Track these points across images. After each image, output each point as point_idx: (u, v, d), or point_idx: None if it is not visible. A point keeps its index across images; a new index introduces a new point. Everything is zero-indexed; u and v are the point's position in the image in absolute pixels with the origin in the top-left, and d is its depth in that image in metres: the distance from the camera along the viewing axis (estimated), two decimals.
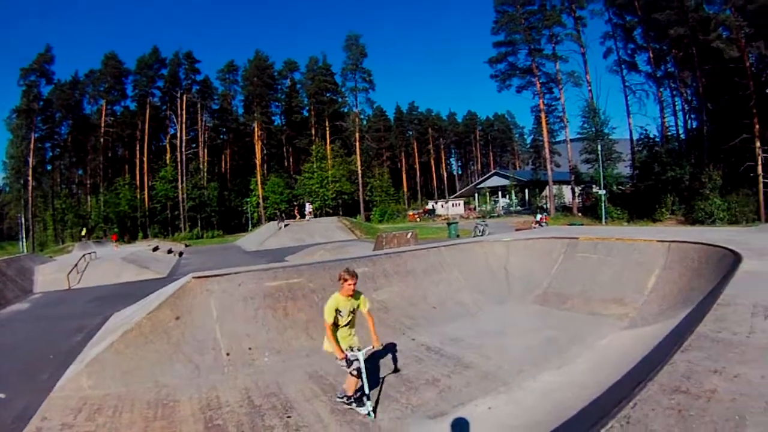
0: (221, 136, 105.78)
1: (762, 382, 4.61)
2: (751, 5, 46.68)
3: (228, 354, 9.69)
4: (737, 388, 4.52)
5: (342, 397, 7.84)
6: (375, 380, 8.40)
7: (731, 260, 10.76)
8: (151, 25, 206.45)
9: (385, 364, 9.43)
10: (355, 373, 7.53)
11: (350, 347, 7.76)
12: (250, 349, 9.96)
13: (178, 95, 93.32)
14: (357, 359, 7.54)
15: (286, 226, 56.31)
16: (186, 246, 59.72)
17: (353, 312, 8.04)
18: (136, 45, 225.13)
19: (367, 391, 7.39)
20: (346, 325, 7.94)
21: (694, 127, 65.89)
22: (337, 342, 7.61)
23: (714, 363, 5.18)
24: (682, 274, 11.94)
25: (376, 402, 7.72)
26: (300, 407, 7.59)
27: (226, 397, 8.04)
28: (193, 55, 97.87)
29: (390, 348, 9.98)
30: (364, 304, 8.08)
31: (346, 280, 7.75)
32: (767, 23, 47.02)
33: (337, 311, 7.74)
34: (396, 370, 9.03)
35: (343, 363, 7.52)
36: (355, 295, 7.93)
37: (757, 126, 48.72)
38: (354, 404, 7.71)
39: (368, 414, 7.38)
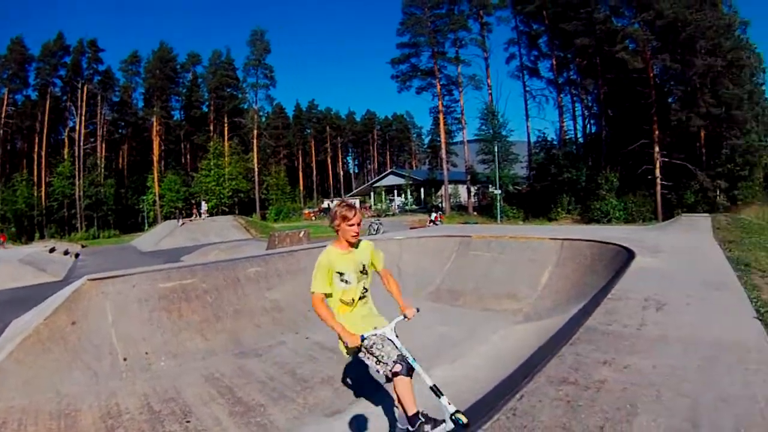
0: (120, 131, 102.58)
1: (653, 371, 4.81)
2: (660, 20, 49.33)
3: (125, 359, 9.44)
4: (628, 378, 4.70)
5: (405, 428, 4.89)
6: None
7: (625, 257, 11.16)
8: (61, 9, 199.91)
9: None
10: (389, 367, 4.99)
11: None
12: (146, 353, 9.74)
13: (80, 86, 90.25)
14: (385, 338, 5.19)
15: (182, 225, 56.04)
16: (83, 247, 57.97)
17: (364, 272, 5.68)
18: (45, 30, 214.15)
19: (429, 382, 4.75)
20: (361, 298, 5.64)
21: (592, 131, 69.35)
22: (344, 325, 5.34)
23: (603, 354, 5.39)
24: (575, 270, 12.33)
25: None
26: (198, 411, 7.46)
27: (126, 404, 7.83)
28: (98, 43, 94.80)
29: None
30: (378, 258, 5.94)
31: (345, 219, 5.39)
32: (675, 38, 49.86)
33: (338, 275, 5.41)
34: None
35: (367, 357, 5.31)
36: (360, 245, 5.74)
37: (657, 132, 52.08)
38: (430, 427, 4.62)
39: (457, 421, 4.29)
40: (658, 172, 51.99)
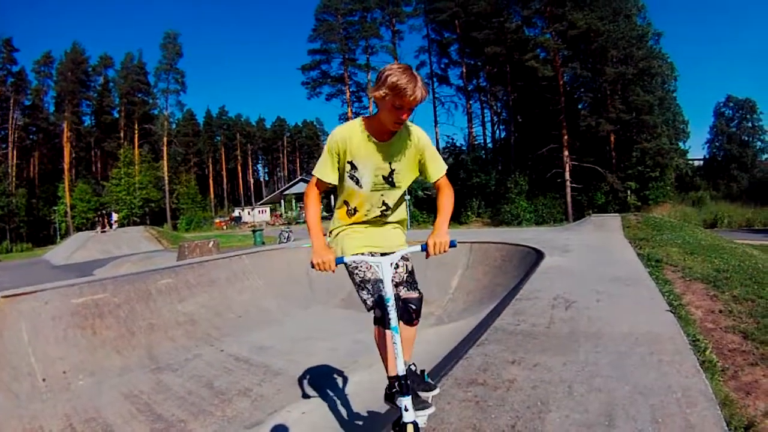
0: (31, 137, 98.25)
1: (564, 368, 4.98)
2: (573, 31, 51.21)
3: (44, 379, 9.17)
4: (538, 376, 4.84)
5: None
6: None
7: (534, 257, 11.48)
8: None
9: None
10: (370, 303, 3.99)
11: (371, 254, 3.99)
12: (64, 372, 9.48)
13: None
14: (369, 268, 3.99)
15: (101, 232, 55.56)
16: None
17: (390, 180, 3.94)
18: None
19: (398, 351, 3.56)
20: (377, 216, 4.15)
21: (502, 137, 71.13)
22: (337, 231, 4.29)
23: (512, 354, 5.54)
24: (485, 272, 12.65)
25: None
26: (120, 430, 7.37)
27: (49, 427, 7.65)
28: (12, 42, 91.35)
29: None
30: (433, 163, 4.00)
31: (398, 92, 3.35)
32: (585, 47, 52.37)
33: (350, 166, 3.87)
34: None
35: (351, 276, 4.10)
36: (401, 137, 3.84)
37: (566, 137, 54.07)
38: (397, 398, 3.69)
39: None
40: (567, 175, 53.90)
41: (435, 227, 3.69)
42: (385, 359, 4.01)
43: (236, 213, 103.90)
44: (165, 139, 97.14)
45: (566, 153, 54.18)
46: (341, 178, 3.93)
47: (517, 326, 6.53)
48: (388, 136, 3.74)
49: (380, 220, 4.15)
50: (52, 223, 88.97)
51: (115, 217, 66.23)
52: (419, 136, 3.88)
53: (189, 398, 8.18)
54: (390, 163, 3.82)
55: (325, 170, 3.84)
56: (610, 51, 51.39)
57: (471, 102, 73.43)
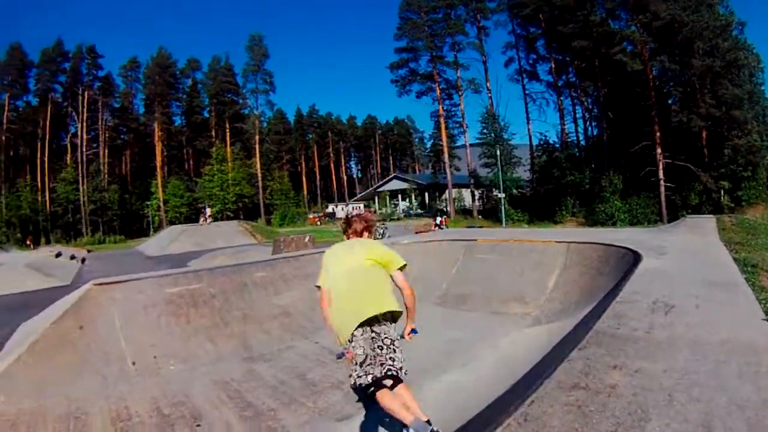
0: (122, 137, 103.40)
1: (664, 375, 4.76)
2: (657, 22, 49.17)
3: (134, 363, 9.41)
4: (638, 383, 4.65)
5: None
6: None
7: (631, 259, 11.09)
8: (59, 16, 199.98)
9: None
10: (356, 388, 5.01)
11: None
12: (155, 357, 9.69)
13: (80, 91, 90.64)
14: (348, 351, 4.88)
15: (201, 224, 57.07)
16: (88, 251, 57.65)
17: (357, 263, 5.22)
18: (43, 36, 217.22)
19: None
20: (349, 290, 5.08)
21: (594, 134, 69.27)
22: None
23: (614, 359, 5.33)
24: (582, 273, 12.23)
25: None
26: (208, 415, 7.42)
27: (135, 408, 7.78)
28: (96, 49, 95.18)
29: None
30: (392, 261, 5.46)
31: (346, 223, 5.72)
32: (672, 39, 49.85)
33: (326, 264, 5.40)
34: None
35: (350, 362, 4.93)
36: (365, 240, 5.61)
37: (658, 133, 51.90)
38: None
39: None
40: (661, 174, 52.19)
41: (408, 318, 5.72)
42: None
43: (330, 209, 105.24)
44: (257, 137, 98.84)
45: (659, 150, 52.67)
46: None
47: (618, 330, 6.31)
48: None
49: (351, 298, 5.12)
50: (145, 217, 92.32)
51: (209, 211, 67.46)
52: (379, 243, 5.70)
53: (281, 388, 8.20)
54: (353, 248, 5.42)
55: (321, 278, 5.29)
56: (695, 42, 49.64)
57: (562, 98, 72.49)
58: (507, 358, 8.80)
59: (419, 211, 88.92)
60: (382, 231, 41.67)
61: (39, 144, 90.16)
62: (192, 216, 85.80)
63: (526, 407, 4.45)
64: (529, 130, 72.21)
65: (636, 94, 54.78)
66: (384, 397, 4.60)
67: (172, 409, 7.70)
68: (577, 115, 72.74)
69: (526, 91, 74.63)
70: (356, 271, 5.09)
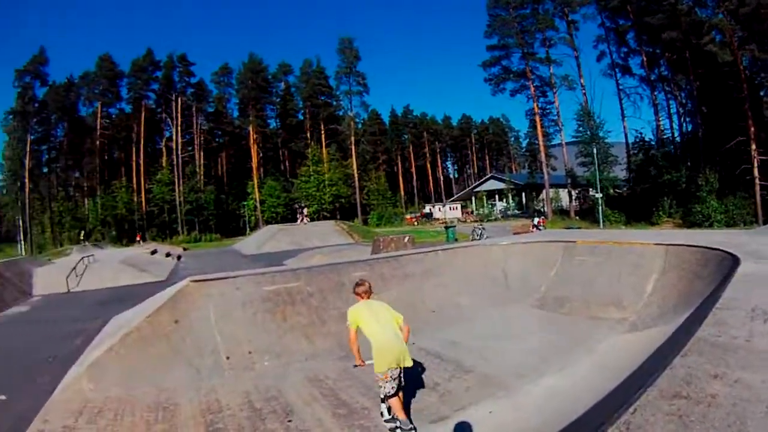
0: (217, 139, 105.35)
1: (763, 386, 4.60)
2: (744, 8, 46.76)
3: (228, 358, 9.68)
4: (738, 393, 4.52)
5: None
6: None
7: (729, 263, 10.76)
8: (145, 27, 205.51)
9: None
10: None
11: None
12: (249, 353, 9.93)
13: (173, 98, 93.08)
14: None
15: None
16: (184, 249, 59.61)
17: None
18: (130, 47, 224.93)
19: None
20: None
21: (689, 130, 66.20)
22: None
23: (714, 368, 5.17)
24: (680, 277, 11.88)
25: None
26: (300, 411, 7.52)
27: (226, 401, 8.00)
28: (188, 57, 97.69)
29: None
30: (400, 318, 7.49)
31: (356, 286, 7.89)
32: (760, 27, 47.23)
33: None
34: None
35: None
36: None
37: (753, 128, 49.08)
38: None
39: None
40: (756, 172, 49.10)
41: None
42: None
43: (427, 209, 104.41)
44: (352, 138, 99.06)
45: (753, 147, 49.52)
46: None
47: (719, 338, 6.08)
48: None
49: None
50: (242, 217, 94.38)
51: (305, 211, 68.05)
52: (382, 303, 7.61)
53: (375, 387, 7.91)
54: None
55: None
56: None
57: (656, 93, 69.64)
58: (604, 364, 8.71)
59: (516, 211, 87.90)
60: (480, 232, 41.43)
61: (134, 148, 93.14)
62: (288, 216, 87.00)
63: (629, 415, 4.42)
64: (624, 127, 70.03)
65: (728, 86, 51.91)
66: (395, 401, 6.73)
67: (263, 404, 7.88)
68: (672, 111, 69.60)
69: (620, 87, 72.12)
70: (390, 326, 7.11)
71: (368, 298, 7.67)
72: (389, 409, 6.97)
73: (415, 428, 6.62)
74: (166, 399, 8.15)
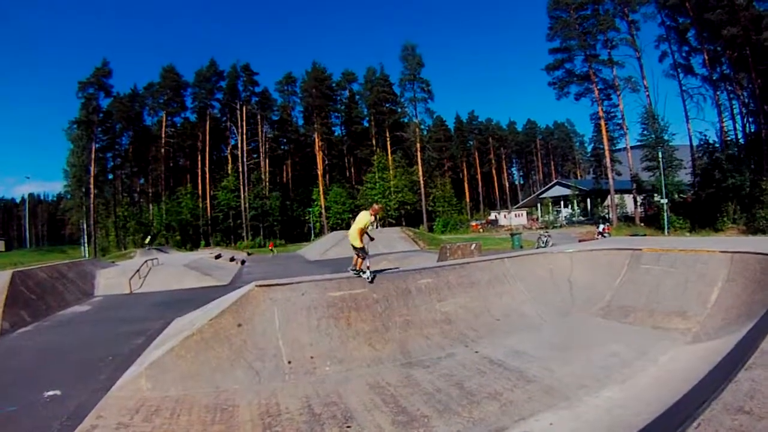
0: (282, 147, 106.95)
1: None
2: None
3: (290, 362, 9.72)
4: None
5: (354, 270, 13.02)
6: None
7: None
8: (207, 38, 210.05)
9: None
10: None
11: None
12: (311, 357, 9.96)
13: (238, 107, 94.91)
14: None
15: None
16: (248, 254, 60.51)
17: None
18: (192, 58, 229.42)
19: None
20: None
21: (752, 131, 64.21)
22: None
23: None
24: (745, 286, 11.58)
25: None
26: (360, 417, 7.47)
27: (285, 404, 8.01)
28: (251, 67, 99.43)
29: None
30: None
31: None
32: None
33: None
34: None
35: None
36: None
37: None
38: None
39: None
40: None
41: None
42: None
43: (492, 216, 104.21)
44: (417, 144, 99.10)
45: None
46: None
47: None
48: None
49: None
50: (306, 222, 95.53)
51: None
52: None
53: (436, 395, 8.15)
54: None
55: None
56: None
57: (719, 93, 67.02)
58: (667, 376, 8.48)
59: (581, 218, 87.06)
60: (545, 239, 40.92)
61: (199, 155, 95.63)
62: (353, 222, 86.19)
63: (693, 430, 4.31)
64: (688, 129, 67.73)
65: None
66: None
67: (323, 408, 7.85)
68: (735, 111, 67.18)
69: (683, 87, 70.15)
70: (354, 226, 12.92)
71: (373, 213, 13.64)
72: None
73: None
74: (224, 400, 8.23)
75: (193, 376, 8.99)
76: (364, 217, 13.14)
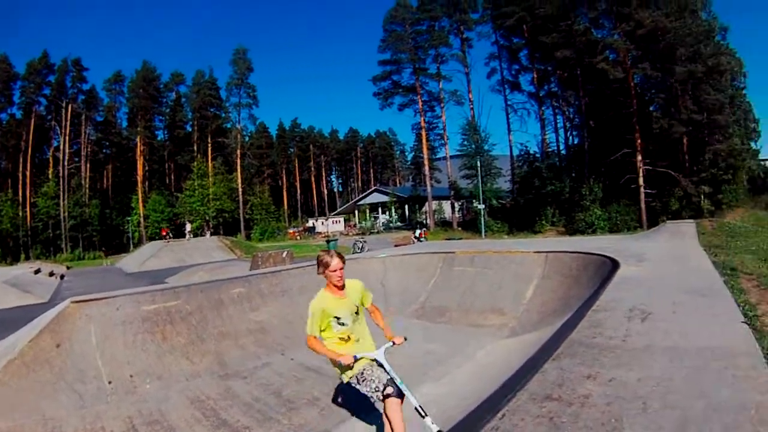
0: (104, 150, 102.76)
1: (638, 384, 4.78)
2: (640, 30, 49.51)
3: (110, 382, 9.37)
4: (613, 392, 4.67)
5: None
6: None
7: (609, 267, 11.16)
8: (46, 27, 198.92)
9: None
10: (380, 388, 5.46)
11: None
12: (131, 376, 9.66)
13: (64, 105, 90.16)
14: (375, 361, 5.78)
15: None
16: (68, 268, 57.61)
17: (357, 312, 6.09)
18: (29, 47, 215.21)
19: (415, 403, 5.20)
20: (357, 341, 6.00)
21: (575, 143, 68.97)
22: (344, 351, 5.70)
23: (588, 368, 5.36)
24: (561, 282, 12.32)
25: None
26: None
27: (111, 427, 7.78)
28: (82, 62, 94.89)
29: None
30: (367, 297, 6.34)
31: (327, 265, 5.85)
32: (655, 46, 50.22)
33: (335, 319, 5.82)
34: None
35: (359, 383, 5.73)
36: (349, 285, 6.14)
37: (639, 141, 52.12)
38: None
39: None
40: (641, 181, 52.02)
41: (388, 331, 6.29)
42: (396, 424, 5.41)
43: (310, 223, 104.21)
44: (238, 151, 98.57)
45: (639, 158, 52.26)
46: (331, 329, 5.86)
47: (594, 339, 6.35)
48: (341, 290, 5.99)
49: (361, 336, 6.09)
50: (125, 233, 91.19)
51: (188, 227, 67.38)
52: (358, 283, 6.35)
53: (256, 405, 8.21)
54: (353, 303, 6.07)
55: (316, 329, 5.83)
56: (678, 49, 49.27)
57: (543, 108, 72.23)
58: (483, 371, 8.89)
59: (399, 224, 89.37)
60: (361, 245, 41.86)
61: (21, 158, 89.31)
62: (172, 230, 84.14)
63: (497, 421, 4.47)
64: (510, 140, 71.82)
65: (617, 102, 54.34)
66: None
67: (147, 428, 7.69)
68: (559, 125, 72.58)
69: (508, 102, 74.40)
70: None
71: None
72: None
73: None
74: (52, 429, 7.85)
75: (20, 404, 8.44)
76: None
